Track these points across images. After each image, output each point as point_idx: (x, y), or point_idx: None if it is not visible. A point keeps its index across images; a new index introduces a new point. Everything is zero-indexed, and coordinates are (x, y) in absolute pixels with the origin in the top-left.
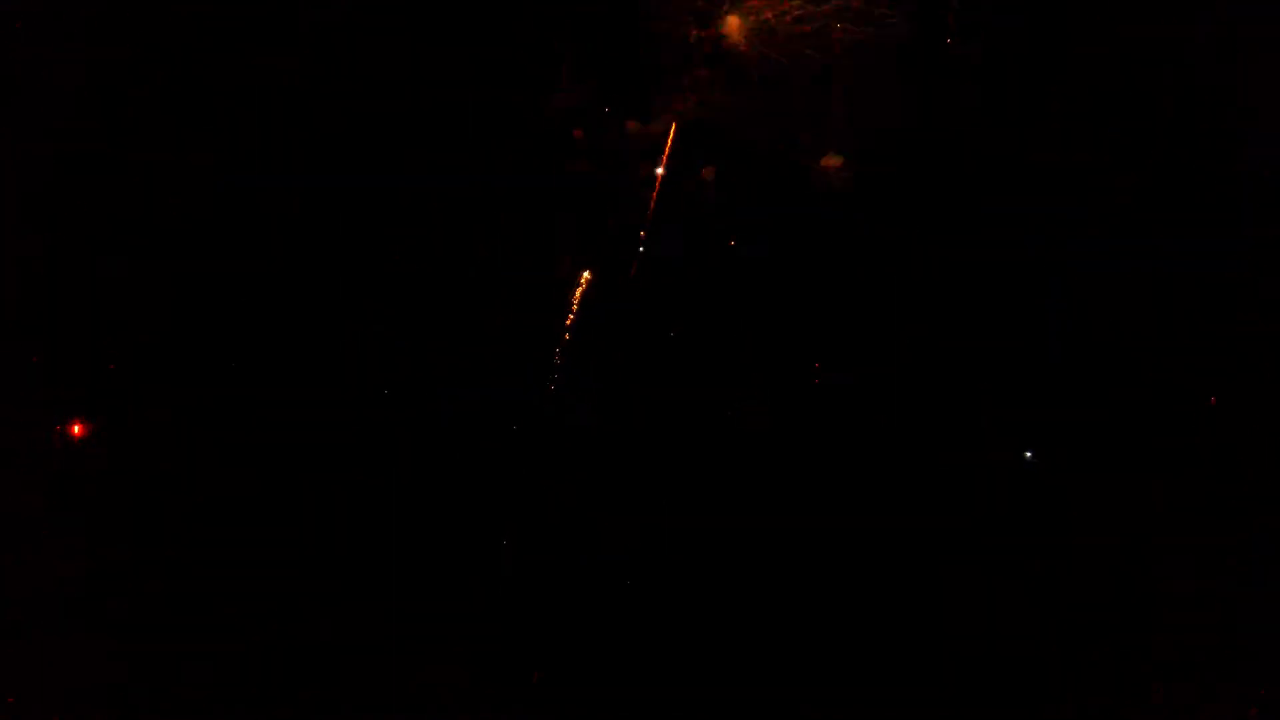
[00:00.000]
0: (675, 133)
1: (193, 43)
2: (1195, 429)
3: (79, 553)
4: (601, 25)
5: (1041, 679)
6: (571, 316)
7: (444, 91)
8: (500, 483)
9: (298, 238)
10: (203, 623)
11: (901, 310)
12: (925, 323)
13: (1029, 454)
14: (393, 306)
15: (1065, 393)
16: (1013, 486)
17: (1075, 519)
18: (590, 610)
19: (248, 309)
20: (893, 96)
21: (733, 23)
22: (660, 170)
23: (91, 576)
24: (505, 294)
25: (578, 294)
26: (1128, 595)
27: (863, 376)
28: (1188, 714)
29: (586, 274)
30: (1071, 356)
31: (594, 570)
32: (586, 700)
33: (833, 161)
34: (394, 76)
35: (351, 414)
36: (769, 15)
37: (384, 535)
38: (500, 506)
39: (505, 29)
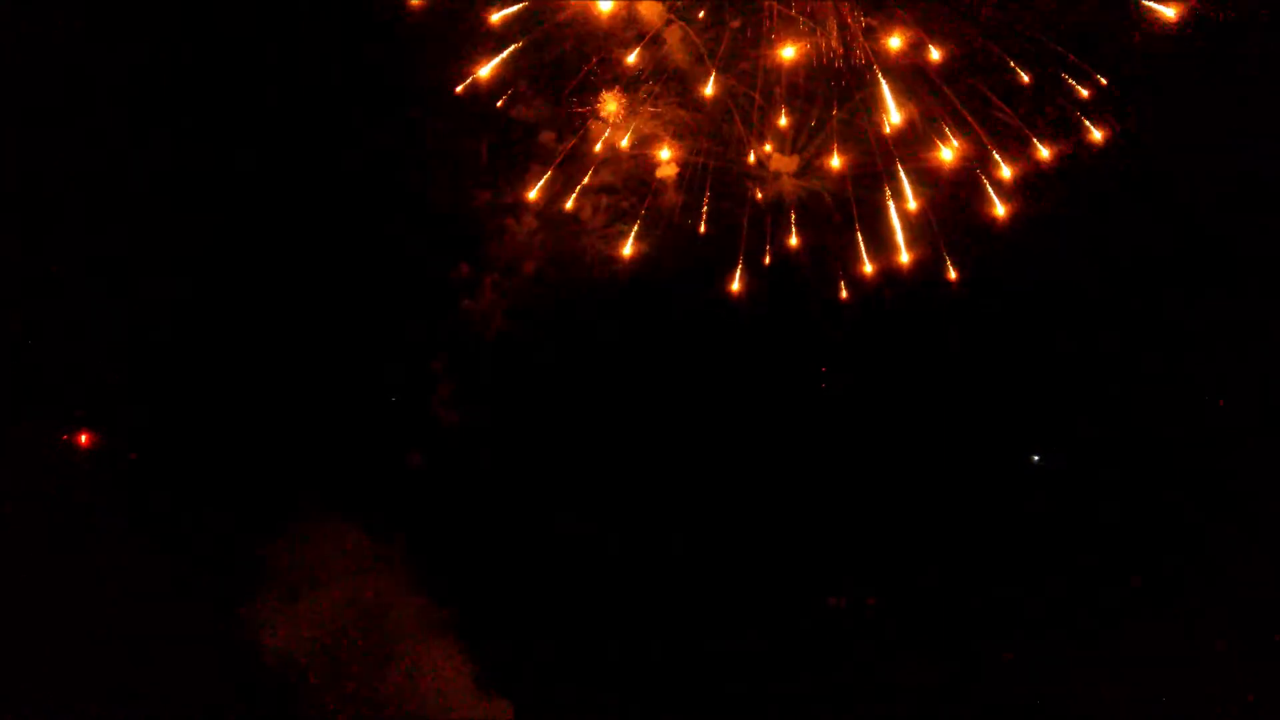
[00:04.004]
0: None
1: (193, 42)
2: (1195, 429)
3: (80, 554)
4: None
5: (1042, 678)
6: (569, 318)
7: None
8: (501, 482)
9: (293, 237)
10: (203, 622)
11: (902, 312)
12: (926, 324)
13: (1035, 457)
14: (391, 306)
15: (1065, 392)
16: (1013, 486)
17: (1075, 518)
18: (589, 609)
19: (243, 308)
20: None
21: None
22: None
23: (91, 577)
24: (504, 295)
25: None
26: (1127, 594)
27: (863, 377)
28: (1188, 712)
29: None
30: (1071, 356)
31: (594, 569)
32: (587, 700)
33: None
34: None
35: (352, 413)
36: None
37: (383, 534)
38: (502, 506)
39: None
